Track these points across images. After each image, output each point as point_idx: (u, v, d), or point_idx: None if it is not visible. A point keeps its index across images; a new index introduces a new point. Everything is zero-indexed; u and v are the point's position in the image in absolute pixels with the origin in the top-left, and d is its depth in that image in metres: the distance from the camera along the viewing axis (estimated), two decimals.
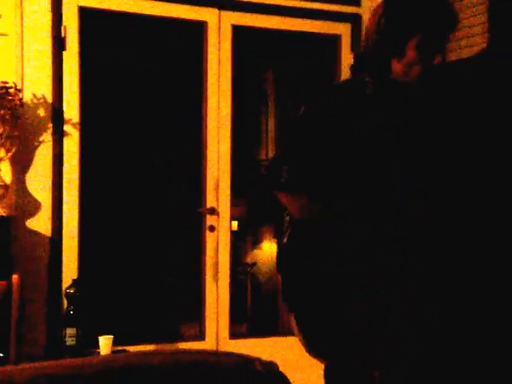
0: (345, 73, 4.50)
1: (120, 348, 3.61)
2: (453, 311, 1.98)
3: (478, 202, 1.93)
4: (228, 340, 4.25)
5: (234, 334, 4.31)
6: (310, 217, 2.08)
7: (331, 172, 2.04)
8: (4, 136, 3.56)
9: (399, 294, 1.96)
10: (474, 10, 3.93)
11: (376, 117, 2.04)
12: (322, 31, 4.46)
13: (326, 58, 4.59)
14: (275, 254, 2.24)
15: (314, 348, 2.17)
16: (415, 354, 2.01)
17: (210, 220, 4.19)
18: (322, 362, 2.21)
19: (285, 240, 2.14)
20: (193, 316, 4.33)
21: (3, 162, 3.63)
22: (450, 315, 1.99)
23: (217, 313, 4.22)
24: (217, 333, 4.22)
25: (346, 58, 4.51)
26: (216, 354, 0.99)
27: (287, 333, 4.47)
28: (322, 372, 2.23)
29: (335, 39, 4.51)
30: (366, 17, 4.49)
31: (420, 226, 1.98)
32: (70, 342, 3.48)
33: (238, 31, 4.25)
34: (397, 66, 2.06)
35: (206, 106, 4.19)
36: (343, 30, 4.51)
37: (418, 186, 2.01)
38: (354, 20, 4.50)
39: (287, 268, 2.14)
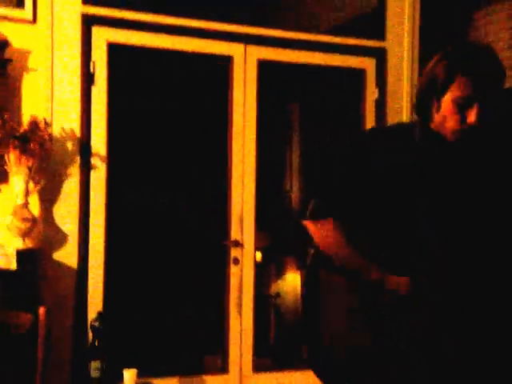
0: (370, 107, 4.53)
1: (144, 380, 3.63)
2: (466, 342, 2.00)
3: (498, 245, 1.96)
4: (252, 373, 4.23)
5: (258, 367, 4.29)
6: (332, 248, 2.14)
7: (357, 205, 2.11)
8: (33, 169, 3.61)
9: (413, 320, 1.96)
10: (500, 26, 3.94)
11: (401, 152, 2.08)
12: (346, 65, 4.49)
13: (350, 92, 4.61)
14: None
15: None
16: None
17: (234, 252, 4.20)
18: None
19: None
20: (216, 349, 4.33)
21: (32, 195, 3.69)
22: (463, 346, 2.00)
23: (240, 345, 4.21)
24: (240, 366, 4.21)
25: (371, 92, 4.53)
26: None
27: None
28: None
29: (360, 73, 4.53)
30: (390, 51, 4.52)
31: (440, 264, 2.02)
32: (94, 374, 3.50)
33: (263, 65, 4.30)
34: (435, 116, 2.09)
35: (231, 138, 4.22)
36: (368, 64, 4.53)
37: (439, 225, 2.04)
38: (379, 54, 4.53)
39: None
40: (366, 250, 2.08)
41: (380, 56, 4.53)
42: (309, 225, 2.18)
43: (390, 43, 4.54)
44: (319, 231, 2.16)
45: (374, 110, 4.53)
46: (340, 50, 4.43)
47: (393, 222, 2.07)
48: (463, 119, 2.02)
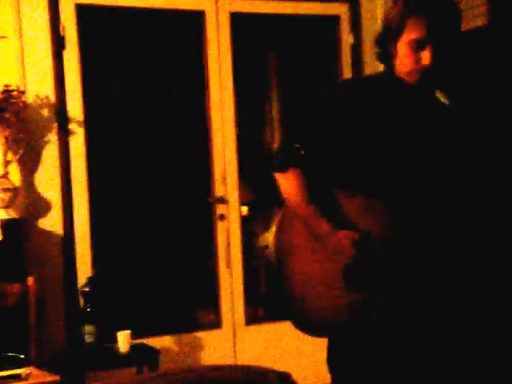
0: (345, 52, 4.49)
1: (138, 341, 3.66)
2: (439, 307, 2.00)
3: (468, 188, 1.96)
4: (244, 326, 4.29)
5: (251, 320, 4.35)
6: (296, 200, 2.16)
7: (330, 154, 2.15)
8: (10, 139, 3.58)
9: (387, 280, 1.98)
10: None
11: (370, 101, 2.11)
12: (320, 13, 4.44)
13: (326, 40, 4.57)
14: None
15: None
16: (397, 352, 2.01)
17: (219, 209, 4.21)
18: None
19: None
20: (209, 305, 4.37)
21: (11, 165, 3.66)
22: (436, 310, 2.00)
23: (232, 300, 4.25)
24: (233, 319, 4.26)
25: (346, 38, 4.49)
26: (230, 368, 1.01)
27: None
28: None
29: (334, 20, 4.49)
30: None
31: (410, 208, 2.01)
32: (88, 338, 3.53)
33: (236, 18, 4.24)
34: (395, 61, 2.09)
35: (209, 95, 4.20)
36: (342, 10, 4.49)
37: (408, 170, 2.04)
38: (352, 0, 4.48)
39: None
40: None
41: (353, 1, 4.47)
42: (277, 176, 2.20)
43: None
44: (284, 182, 2.19)
45: (349, 55, 4.50)
46: None
47: (364, 170, 2.09)
48: (417, 61, 2.01)
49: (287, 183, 2.17)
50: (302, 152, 2.13)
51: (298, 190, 2.14)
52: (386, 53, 2.10)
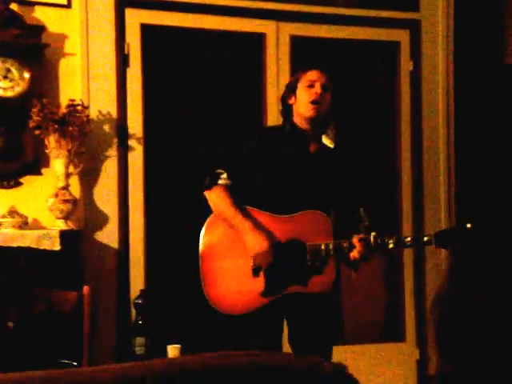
0: (404, 79, 4.49)
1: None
2: None
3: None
4: None
5: None
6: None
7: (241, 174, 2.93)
8: (72, 152, 3.68)
9: None
10: None
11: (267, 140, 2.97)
12: (380, 38, 4.46)
13: (385, 66, 4.57)
14: None
15: None
16: None
17: None
18: None
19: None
20: None
21: (72, 178, 3.76)
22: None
23: None
24: None
25: (406, 64, 4.49)
26: (287, 356, 1.02)
27: (352, 341, 4.46)
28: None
29: (394, 46, 4.50)
30: (424, 22, 4.47)
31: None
32: (139, 351, 3.57)
33: (296, 42, 4.29)
34: (294, 108, 2.95)
35: (266, 116, 4.23)
36: (402, 36, 4.49)
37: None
38: (413, 26, 4.48)
39: None
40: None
41: (414, 28, 4.48)
42: (206, 194, 2.92)
43: (424, 14, 4.49)
44: (212, 196, 2.89)
45: (408, 82, 4.49)
46: (374, 23, 4.40)
47: (259, 188, 2.89)
48: (312, 95, 2.85)
49: (215, 196, 2.89)
50: (224, 175, 2.88)
51: (224, 199, 2.86)
52: (286, 106, 2.97)
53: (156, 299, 3.92)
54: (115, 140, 3.92)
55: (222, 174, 2.90)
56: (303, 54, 4.33)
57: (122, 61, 3.93)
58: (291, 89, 2.95)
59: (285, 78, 4.23)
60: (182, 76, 4.19)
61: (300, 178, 2.88)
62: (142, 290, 3.75)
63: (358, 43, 4.45)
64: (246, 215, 2.83)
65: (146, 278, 3.95)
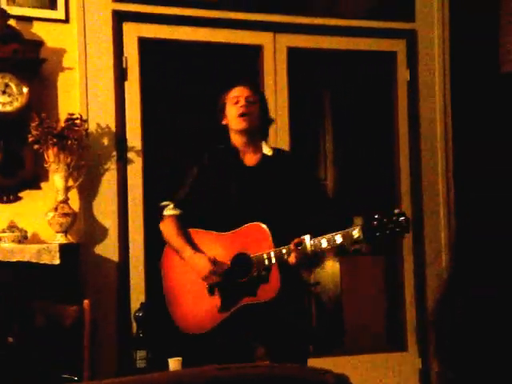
0: (401, 88, 4.51)
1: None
2: None
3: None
4: None
5: None
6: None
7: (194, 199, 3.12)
8: (71, 165, 3.68)
9: None
10: None
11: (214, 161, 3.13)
12: (377, 49, 4.48)
13: (381, 75, 4.59)
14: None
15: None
16: None
17: None
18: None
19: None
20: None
21: (71, 191, 3.76)
22: None
23: None
24: None
25: (402, 74, 4.51)
26: (289, 367, 1.02)
27: (353, 351, 4.46)
28: None
29: (391, 56, 4.52)
30: (420, 32, 4.49)
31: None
32: (140, 364, 3.56)
33: (293, 53, 4.31)
34: (226, 126, 3.12)
35: None
36: (399, 46, 4.51)
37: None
38: (410, 36, 4.50)
39: None
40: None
41: (410, 37, 4.50)
42: (160, 225, 3.13)
43: (420, 24, 4.51)
44: (163, 227, 3.09)
45: (405, 92, 4.51)
46: (369, 33, 4.42)
47: (208, 209, 3.07)
48: (238, 109, 2.98)
49: (164, 227, 3.10)
50: (170, 206, 3.09)
51: (170, 230, 3.07)
52: (221, 128, 3.08)
53: (157, 312, 3.91)
54: (114, 153, 3.92)
55: (168, 205, 3.10)
56: (300, 66, 4.35)
57: (120, 74, 3.95)
58: (221, 110, 3.08)
59: (282, 90, 4.26)
60: (180, 88, 4.20)
61: (239, 192, 2.99)
62: (142, 303, 3.75)
63: (355, 53, 4.47)
64: (189, 241, 3.02)
65: (147, 291, 3.94)
